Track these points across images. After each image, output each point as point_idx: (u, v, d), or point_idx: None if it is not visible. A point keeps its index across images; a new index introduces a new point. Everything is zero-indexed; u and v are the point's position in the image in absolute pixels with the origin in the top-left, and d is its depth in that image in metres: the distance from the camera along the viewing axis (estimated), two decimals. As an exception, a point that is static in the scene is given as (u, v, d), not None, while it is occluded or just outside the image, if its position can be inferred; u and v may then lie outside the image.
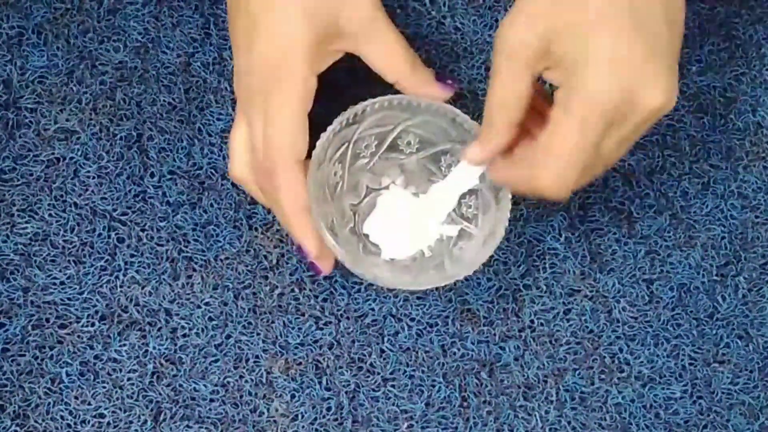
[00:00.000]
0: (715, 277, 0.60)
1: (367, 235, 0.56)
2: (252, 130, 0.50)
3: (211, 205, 0.58)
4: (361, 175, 0.56)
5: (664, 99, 0.46)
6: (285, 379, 0.57)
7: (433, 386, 0.58)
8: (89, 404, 0.56)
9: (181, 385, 0.56)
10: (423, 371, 0.58)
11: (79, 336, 0.56)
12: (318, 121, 0.51)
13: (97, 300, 0.57)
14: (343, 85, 0.55)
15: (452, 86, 0.53)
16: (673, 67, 0.47)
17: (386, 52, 0.52)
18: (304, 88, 0.50)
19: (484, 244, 0.52)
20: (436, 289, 0.57)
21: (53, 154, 0.58)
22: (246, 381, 0.57)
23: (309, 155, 0.51)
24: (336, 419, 0.57)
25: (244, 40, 0.50)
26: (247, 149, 0.52)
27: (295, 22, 0.49)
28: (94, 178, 0.58)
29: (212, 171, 0.59)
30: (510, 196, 0.52)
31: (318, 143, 0.51)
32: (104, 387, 0.56)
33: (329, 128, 0.51)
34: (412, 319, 0.58)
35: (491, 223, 0.53)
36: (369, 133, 0.54)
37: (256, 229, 0.58)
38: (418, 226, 0.56)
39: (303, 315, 0.58)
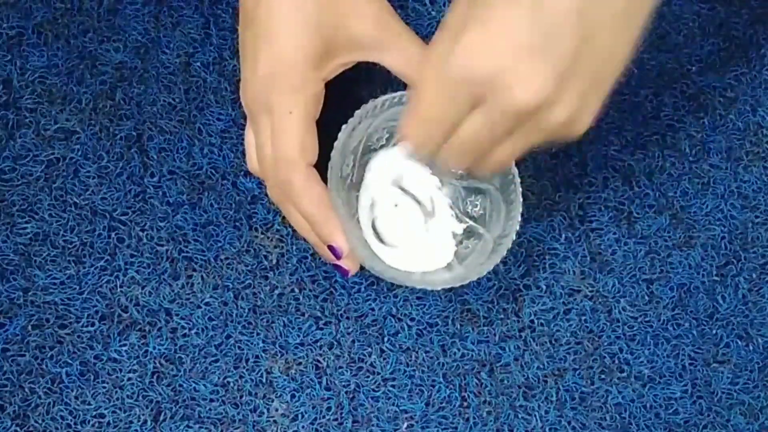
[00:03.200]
0: (715, 277, 0.60)
1: (375, 231, 0.56)
2: (259, 140, 0.51)
3: (211, 205, 0.58)
4: (369, 167, 0.56)
5: (533, 98, 0.41)
6: (285, 379, 0.57)
7: (433, 386, 0.58)
8: (89, 404, 0.56)
9: (181, 385, 0.56)
10: (423, 371, 0.58)
11: (79, 336, 0.56)
12: (323, 118, 0.52)
13: (97, 300, 0.57)
14: (348, 82, 0.55)
15: None
16: (567, 78, 0.41)
17: (405, 58, 0.53)
18: (309, 96, 0.50)
19: (496, 246, 0.53)
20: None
21: (53, 154, 0.58)
22: (246, 381, 0.57)
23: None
24: (336, 419, 0.57)
25: (250, 52, 0.51)
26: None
27: (298, 33, 0.49)
28: (94, 178, 0.58)
29: (212, 171, 0.58)
30: (521, 199, 0.52)
31: (339, 135, 0.52)
32: (104, 387, 0.56)
33: (351, 120, 0.52)
34: (412, 319, 0.58)
35: (502, 226, 0.53)
36: (383, 126, 0.55)
37: (256, 229, 0.58)
38: (431, 244, 0.56)
39: (303, 315, 0.58)
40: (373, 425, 0.57)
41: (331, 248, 0.52)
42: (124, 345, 0.57)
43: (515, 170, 0.53)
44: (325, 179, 0.52)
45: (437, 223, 0.56)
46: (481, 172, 0.48)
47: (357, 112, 0.52)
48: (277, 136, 0.50)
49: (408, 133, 0.46)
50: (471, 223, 0.56)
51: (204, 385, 0.57)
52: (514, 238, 0.52)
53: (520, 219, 0.52)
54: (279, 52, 0.49)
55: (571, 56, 0.41)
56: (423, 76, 0.44)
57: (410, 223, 0.56)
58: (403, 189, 0.57)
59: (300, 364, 0.57)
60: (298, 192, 0.51)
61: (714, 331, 0.60)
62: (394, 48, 0.52)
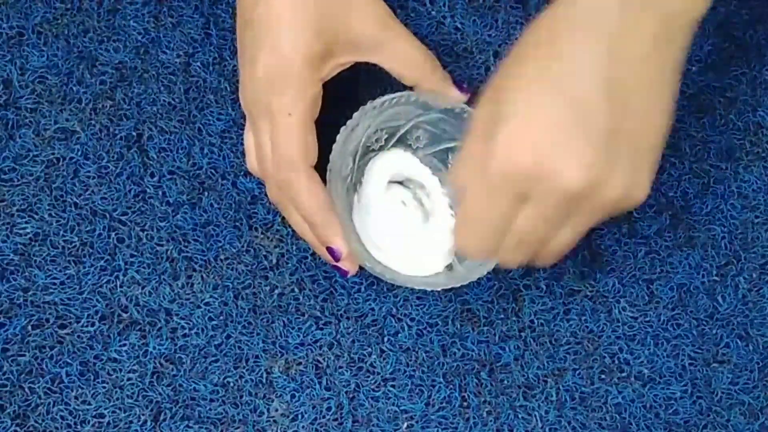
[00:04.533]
0: (715, 277, 0.60)
1: (375, 232, 0.56)
2: (258, 141, 0.51)
3: (211, 205, 0.58)
4: (368, 168, 0.56)
5: (580, 179, 0.41)
6: (285, 379, 0.57)
7: (433, 386, 0.58)
8: (89, 404, 0.56)
9: (181, 385, 0.56)
10: (423, 371, 0.58)
11: (79, 336, 0.56)
12: (322, 119, 0.52)
13: (97, 300, 0.57)
14: (347, 82, 0.55)
15: (468, 90, 0.55)
16: (609, 151, 0.41)
17: (404, 59, 0.53)
18: (309, 97, 0.50)
19: None
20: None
21: (53, 154, 0.58)
22: (246, 381, 0.57)
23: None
24: (336, 419, 0.57)
25: (249, 53, 0.50)
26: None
27: (298, 34, 0.49)
28: (94, 178, 0.58)
29: (212, 171, 0.59)
30: None
31: (339, 136, 0.52)
32: (104, 387, 0.56)
33: (350, 121, 0.52)
34: (412, 319, 0.58)
35: None
36: (382, 127, 0.55)
37: (256, 229, 0.58)
38: (431, 246, 0.56)
39: (303, 315, 0.58)
40: (373, 425, 0.57)
41: (330, 250, 0.52)
42: (124, 345, 0.57)
43: None
44: (324, 180, 0.52)
45: (437, 224, 0.56)
46: (544, 263, 0.47)
47: (356, 114, 0.52)
48: (277, 138, 0.50)
49: (461, 242, 0.46)
50: None
51: (204, 385, 0.57)
52: None
53: None
54: (278, 54, 0.49)
55: (607, 130, 0.41)
56: (464, 181, 0.44)
57: (410, 224, 0.56)
58: (402, 189, 0.57)
59: (300, 364, 0.57)
60: (297, 193, 0.51)
61: (714, 331, 0.60)
62: (393, 49, 0.52)
